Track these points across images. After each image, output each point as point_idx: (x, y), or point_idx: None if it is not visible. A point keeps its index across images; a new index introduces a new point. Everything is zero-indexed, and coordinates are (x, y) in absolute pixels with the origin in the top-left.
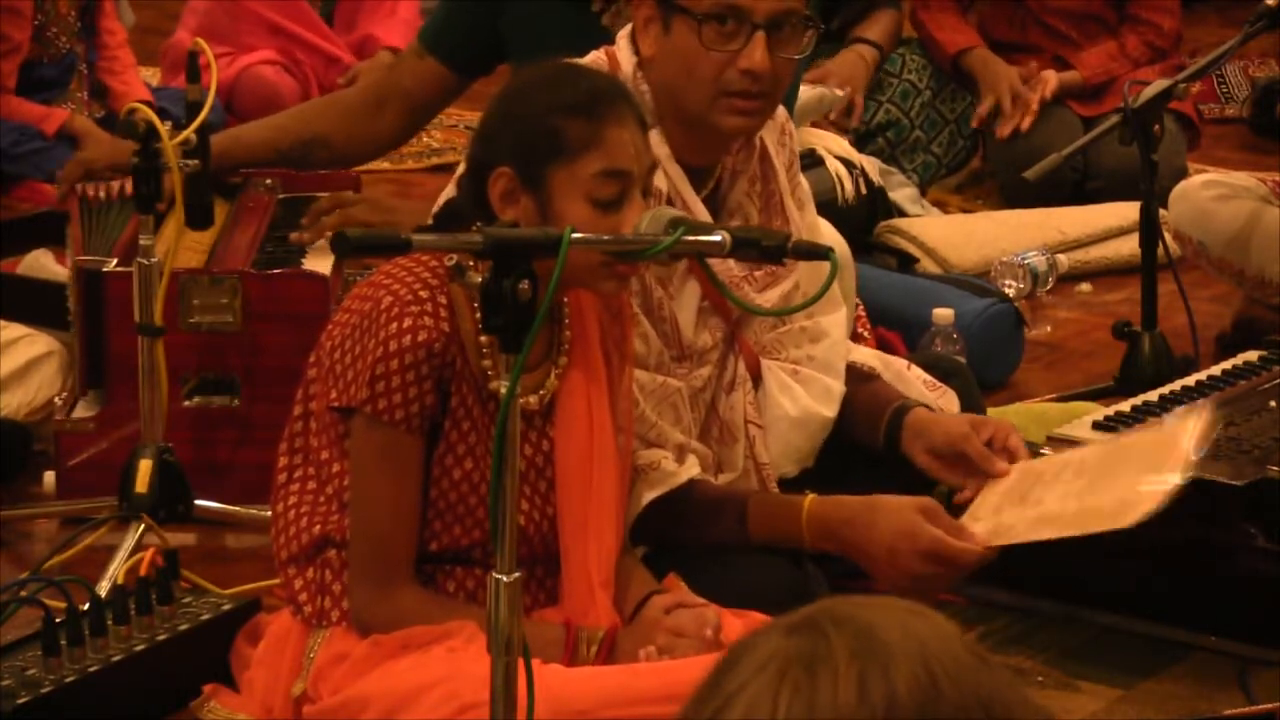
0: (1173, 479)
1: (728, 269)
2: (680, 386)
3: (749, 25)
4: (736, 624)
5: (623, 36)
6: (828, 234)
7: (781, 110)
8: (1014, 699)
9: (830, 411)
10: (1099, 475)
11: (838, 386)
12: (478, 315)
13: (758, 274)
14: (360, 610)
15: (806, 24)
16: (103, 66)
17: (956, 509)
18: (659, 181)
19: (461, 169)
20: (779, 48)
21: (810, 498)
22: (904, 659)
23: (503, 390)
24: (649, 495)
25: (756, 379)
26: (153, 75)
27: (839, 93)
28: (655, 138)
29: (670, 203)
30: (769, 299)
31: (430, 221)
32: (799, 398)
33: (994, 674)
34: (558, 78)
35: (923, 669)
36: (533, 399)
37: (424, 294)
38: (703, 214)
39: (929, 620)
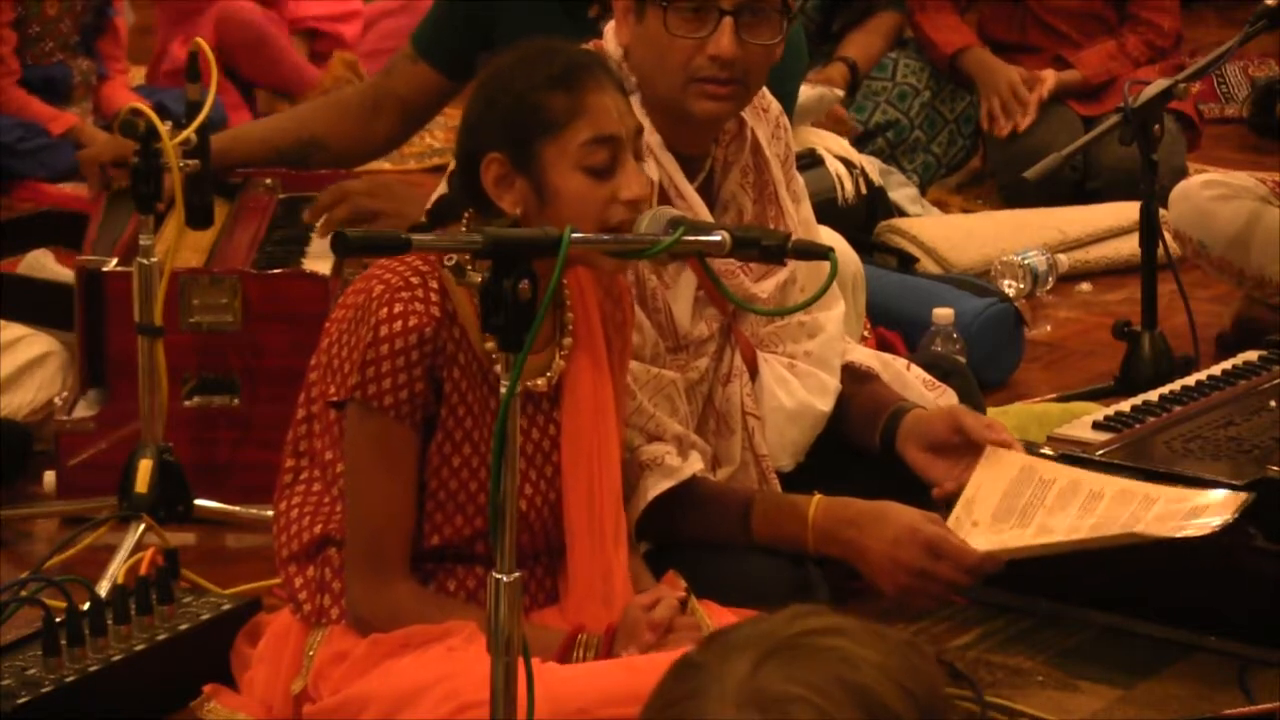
0: (1212, 521)
1: (724, 258)
2: (675, 378)
3: (716, 11)
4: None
5: (609, 29)
6: (828, 240)
7: (775, 104)
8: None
9: (825, 406)
10: (1111, 516)
11: (833, 381)
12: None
13: (753, 264)
14: (355, 604)
15: (781, 11)
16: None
17: (948, 509)
18: (652, 171)
19: (453, 167)
20: (750, 34)
21: (817, 499)
22: None
23: (506, 379)
24: (654, 490)
25: (753, 371)
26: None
27: (838, 92)
28: (647, 126)
29: (664, 191)
30: (765, 288)
31: (424, 219)
32: (795, 390)
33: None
34: (531, 56)
35: None
36: (540, 381)
37: (414, 280)
38: (698, 202)
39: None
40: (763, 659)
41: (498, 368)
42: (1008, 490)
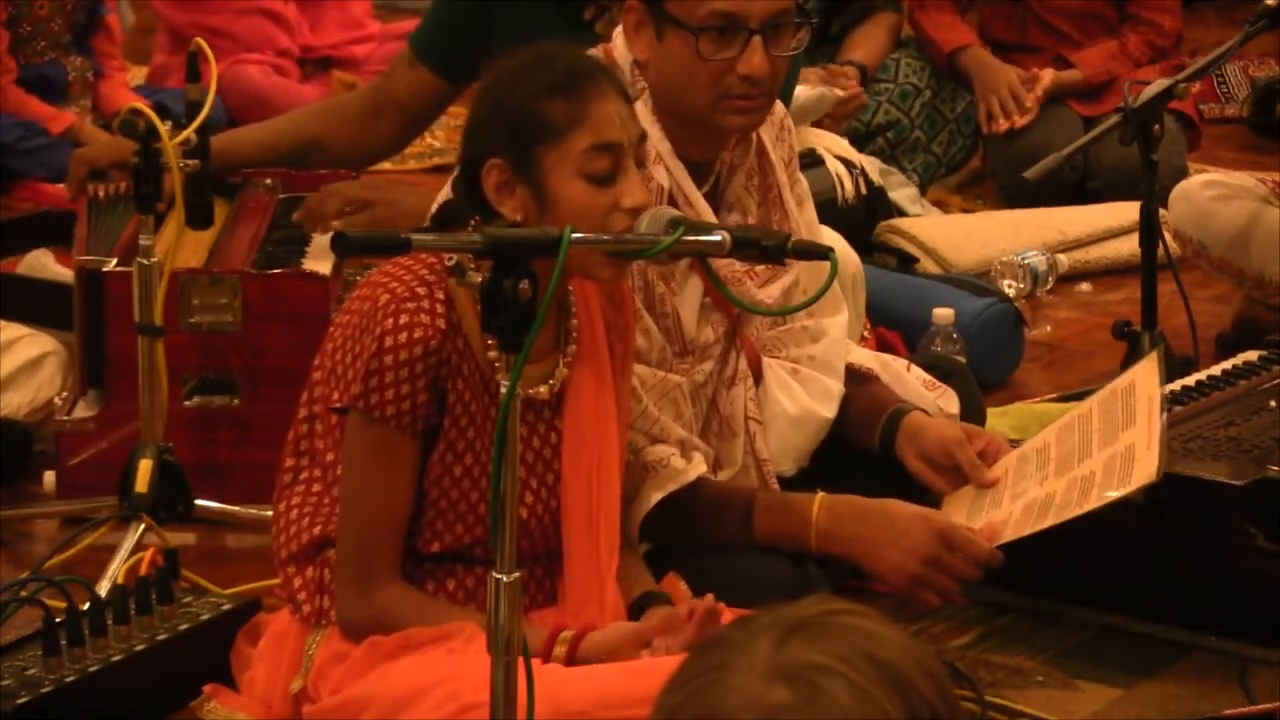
0: (1156, 424)
1: (729, 265)
2: (681, 382)
3: (745, 31)
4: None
5: (618, 35)
6: (830, 241)
7: (780, 107)
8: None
9: (829, 412)
10: (1067, 452)
11: (837, 387)
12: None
13: (759, 269)
14: (342, 611)
15: (799, 22)
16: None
17: None
18: (661, 177)
19: (457, 171)
20: (774, 46)
21: (819, 497)
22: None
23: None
24: (658, 494)
25: (758, 375)
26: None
27: (838, 92)
28: (657, 133)
29: (673, 199)
30: (770, 294)
31: (426, 221)
32: (798, 396)
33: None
34: (534, 62)
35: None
36: (543, 389)
37: (421, 290)
38: (705, 209)
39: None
40: (788, 634)
41: (499, 377)
42: (973, 501)
